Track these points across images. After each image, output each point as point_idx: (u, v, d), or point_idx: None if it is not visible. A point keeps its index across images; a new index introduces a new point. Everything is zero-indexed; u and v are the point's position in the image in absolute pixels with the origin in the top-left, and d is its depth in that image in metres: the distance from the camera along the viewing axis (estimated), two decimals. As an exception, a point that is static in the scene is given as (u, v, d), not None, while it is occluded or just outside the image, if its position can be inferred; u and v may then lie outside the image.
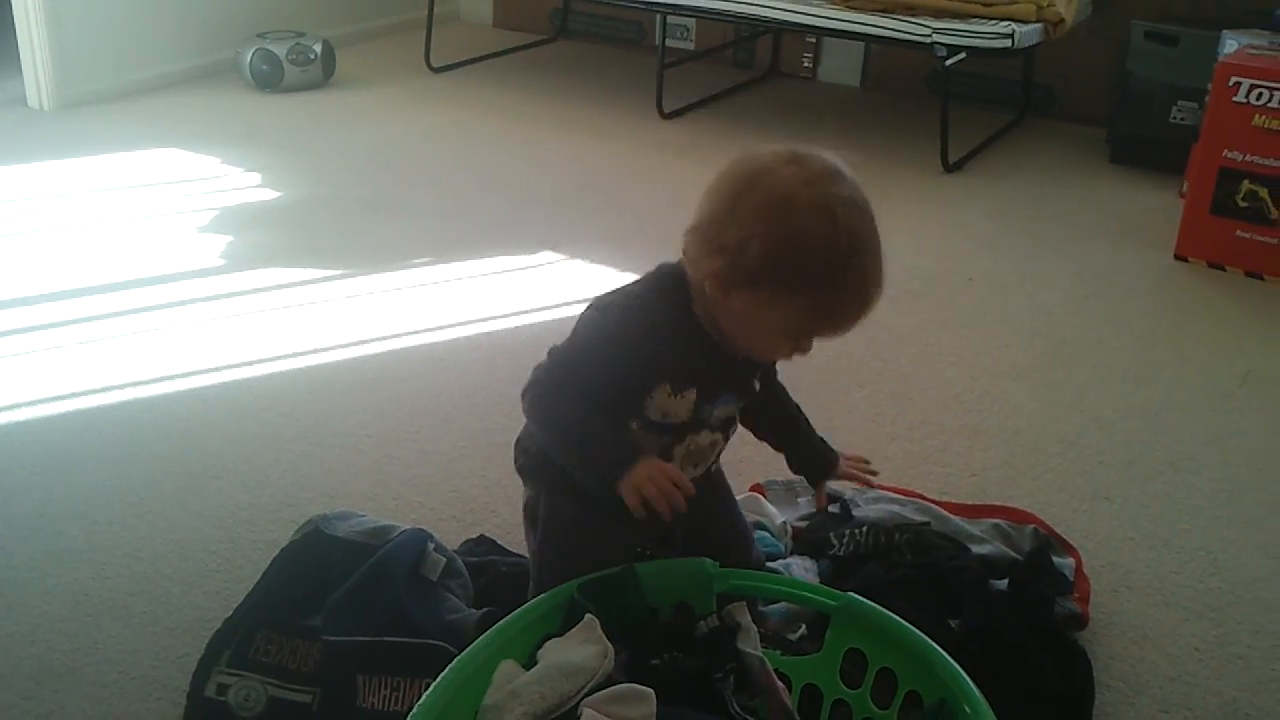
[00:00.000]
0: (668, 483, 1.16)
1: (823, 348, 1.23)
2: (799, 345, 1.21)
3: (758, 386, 1.31)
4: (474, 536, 1.70)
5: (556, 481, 1.30)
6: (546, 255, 2.76)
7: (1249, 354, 2.29)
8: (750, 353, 1.23)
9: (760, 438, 1.44)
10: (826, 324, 1.18)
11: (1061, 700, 1.38)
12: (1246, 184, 2.61)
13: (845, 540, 1.61)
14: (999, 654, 1.37)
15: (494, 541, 1.69)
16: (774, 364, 1.34)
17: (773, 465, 1.85)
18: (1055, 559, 1.62)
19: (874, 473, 1.45)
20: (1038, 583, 1.52)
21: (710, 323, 1.21)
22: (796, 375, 1.41)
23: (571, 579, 1.24)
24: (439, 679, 1.13)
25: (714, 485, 1.41)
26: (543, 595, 1.26)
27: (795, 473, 1.46)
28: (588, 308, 1.25)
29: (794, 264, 1.12)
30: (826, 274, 1.13)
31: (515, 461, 1.38)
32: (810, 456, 1.43)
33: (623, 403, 1.22)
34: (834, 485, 1.79)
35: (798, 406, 1.42)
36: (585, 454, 1.21)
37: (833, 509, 1.70)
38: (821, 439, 1.43)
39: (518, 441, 1.37)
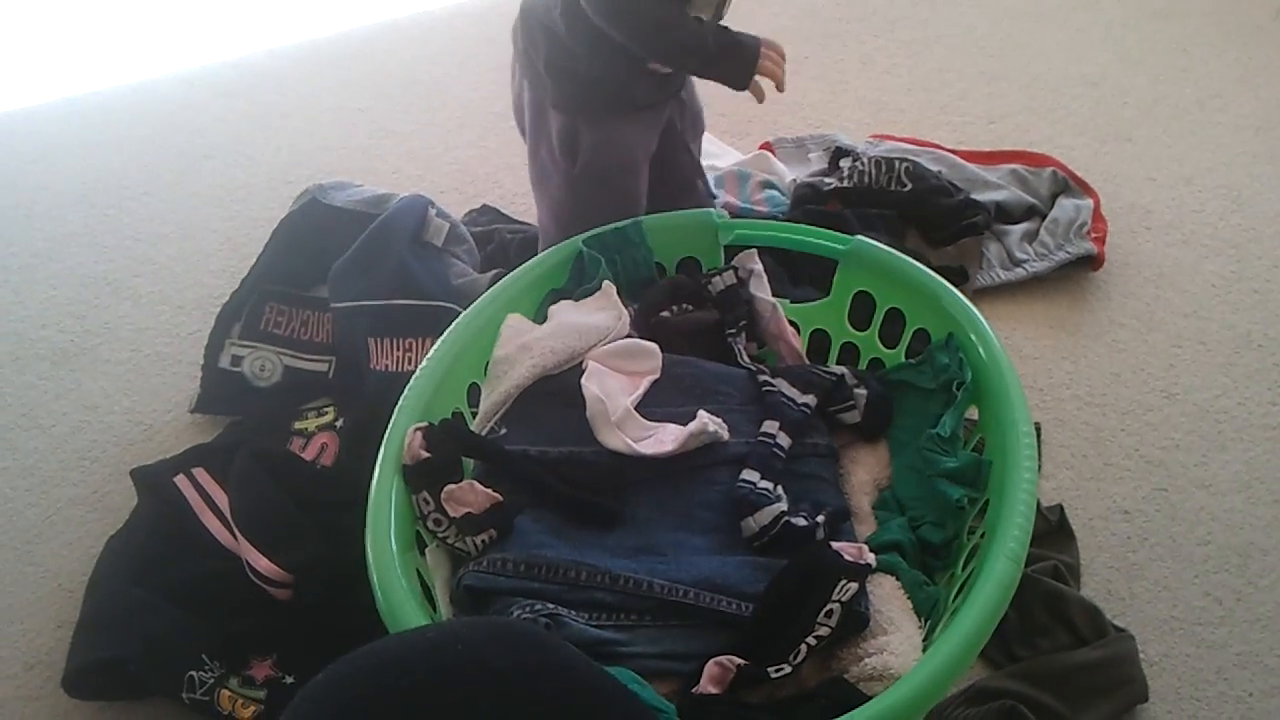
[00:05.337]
0: (778, 55, 1.20)
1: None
2: None
3: None
4: (477, 206, 1.66)
5: (607, 105, 1.23)
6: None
7: (1288, -15, 2.15)
8: None
9: None
10: None
11: None
12: None
13: (847, 171, 1.57)
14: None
15: (498, 210, 1.65)
16: None
17: (782, 123, 1.79)
18: (1073, 200, 1.58)
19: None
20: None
21: None
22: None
23: (609, 209, 1.24)
24: (448, 332, 1.13)
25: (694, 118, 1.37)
26: (548, 250, 1.24)
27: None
28: None
29: None
30: None
31: (556, 90, 1.24)
32: None
33: None
34: (845, 139, 1.74)
35: None
36: (700, 58, 1.20)
37: (844, 161, 1.64)
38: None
39: (549, 64, 1.23)
